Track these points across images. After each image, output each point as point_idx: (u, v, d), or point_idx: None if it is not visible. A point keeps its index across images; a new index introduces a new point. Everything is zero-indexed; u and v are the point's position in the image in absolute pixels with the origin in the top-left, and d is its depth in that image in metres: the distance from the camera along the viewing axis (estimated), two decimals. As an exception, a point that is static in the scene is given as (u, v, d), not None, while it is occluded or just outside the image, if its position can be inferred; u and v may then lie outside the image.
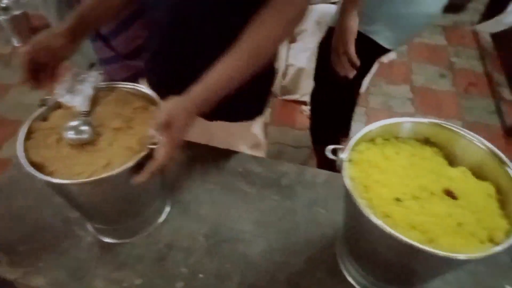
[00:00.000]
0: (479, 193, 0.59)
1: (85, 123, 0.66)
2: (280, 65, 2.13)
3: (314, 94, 1.57)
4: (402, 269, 0.60)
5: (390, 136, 0.67)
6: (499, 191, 0.59)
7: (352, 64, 1.14)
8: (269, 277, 0.73)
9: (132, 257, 0.75)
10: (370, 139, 0.66)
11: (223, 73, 0.66)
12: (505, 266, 0.74)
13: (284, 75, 2.15)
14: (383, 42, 1.21)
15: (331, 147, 0.60)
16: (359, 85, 1.49)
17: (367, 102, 2.24)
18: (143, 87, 0.74)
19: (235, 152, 0.96)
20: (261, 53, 0.68)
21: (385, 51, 1.27)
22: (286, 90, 2.19)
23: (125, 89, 0.75)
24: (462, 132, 0.62)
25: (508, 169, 0.58)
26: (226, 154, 0.95)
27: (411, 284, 0.67)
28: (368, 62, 1.33)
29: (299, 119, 2.12)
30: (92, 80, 0.74)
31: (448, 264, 0.54)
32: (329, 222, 0.81)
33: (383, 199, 0.56)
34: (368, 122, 2.18)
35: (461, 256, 0.48)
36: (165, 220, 0.81)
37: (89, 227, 0.79)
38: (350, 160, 0.61)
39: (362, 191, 0.58)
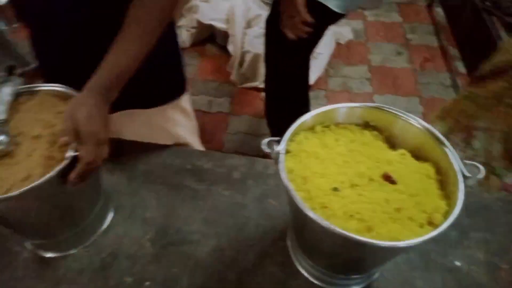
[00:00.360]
0: (418, 175, 0.58)
1: (1, 133, 0.61)
2: (236, 52, 2.08)
3: (268, 78, 1.54)
4: (346, 259, 0.59)
5: (330, 123, 0.65)
6: (438, 171, 0.59)
7: (306, 23, 1.15)
8: (219, 277, 0.70)
9: (73, 270, 0.71)
10: (310, 128, 0.64)
11: (119, 56, 0.64)
12: (454, 243, 0.75)
13: (241, 62, 2.10)
14: (331, 5, 1.19)
15: (266, 140, 0.57)
16: (308, 57, 1.46)
17: (327, 85, 2.23)
18: (69, 88, 0.69)
19: (182, 148, 0.93)
20: (150, 25, 0.67)
21: (335, 16, 1.26)
22: (244, 78, 2.15)
23: (49, 92, 0.69)
24: (399, 114, 0.61)
25: (446, 149, 0.57)
26: (172, 151, 0.91)
27: (362, 271, 0.66)
28: (319, 29, 1.32)
29: (260, 107, 2.09)
30: (10, 84, 0.68)
31: (387, 251, 0.52)
32: (281, 214, 0.79)
33: (321, 189, 0.54)
34: (328, 105, 2.18)
35: (398, 244, 0.46)
36: (108, 227, 0.77)
37: (27, 242, 0.74)
38: (288, 152, 0.59)
39: (300, 183, 0.56)
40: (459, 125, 1.25)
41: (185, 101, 0.99)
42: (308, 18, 1.14)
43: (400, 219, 0.52)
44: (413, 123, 0.60)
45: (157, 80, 0.88)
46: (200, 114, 2.05)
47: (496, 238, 0.76)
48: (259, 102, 2.11)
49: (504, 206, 0.81)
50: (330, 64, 2.32)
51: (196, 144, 1.05)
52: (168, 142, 0.96)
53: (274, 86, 1.53)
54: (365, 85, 2.25)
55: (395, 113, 0.61)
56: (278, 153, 0.56)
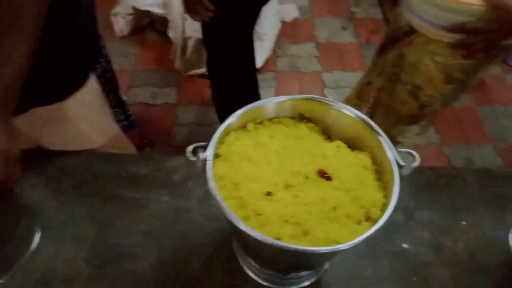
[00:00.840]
0: (355, 168, 0.55)
1: None
2: (177, 39, 1.99)
3: (209, 63, 1.47)
4: (290, 263, 0.56)
5: (263, 119, 0.61)
6: (374, 160, 0.56)
7: (206, 8, 1.14)
8: (163, 291, 0.66)
9: (-3, 305, 0.64)
10: (242, 126, 0.59)
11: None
12: (401, 226, 0.75)
13: (184, 49, 2.01)
14: None
15: (191, 147, 0.52)
16: (250, 38, 1.41)
17: (275, 66, 2.19)
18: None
19: (114, 154, 0.86)
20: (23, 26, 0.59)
21: None
22: (189, 65, 2.06)
23: None
24: (330, 103, 0.57)
25: (378, 136, 0.54)
26: (104, 158, 0.84)
27: (309, 269, 0.64)
28: (252, 9, 1.28)
29: (209, 94, 2.02)
30: None
31: (326, 254, 0.50)
32: (225, 214, 0.76)
33: (254, 195, 0.51)
34: (278, 87, 2.15)
35: (331, 249, 0.44)
36: (36, 251, 0.70)
37: None
38: (217, 156, 0.54)
39: (231, 190, 0.52)
40: (366, 97, 1.27)
41: (94, 82, 0.91)
42: (211, 7, 1.13)
43: (336, 217, 0.49)
44: (346, 112, 0.57)
45: (59, 69, 0.79)
46: (144, 107, 1.94)
47: (441, 215, 0.76)
48: (207, 89, 2.03)
49: (447, 181, 0.82)
50: (277, 44, 2.27)
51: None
52: (96, 131, 0.91)
53: (217, 71, 1.46)
54: (313, 63, 2.23)
55: (326, 103, 0.57)
56: (204, 160, 0.51)
